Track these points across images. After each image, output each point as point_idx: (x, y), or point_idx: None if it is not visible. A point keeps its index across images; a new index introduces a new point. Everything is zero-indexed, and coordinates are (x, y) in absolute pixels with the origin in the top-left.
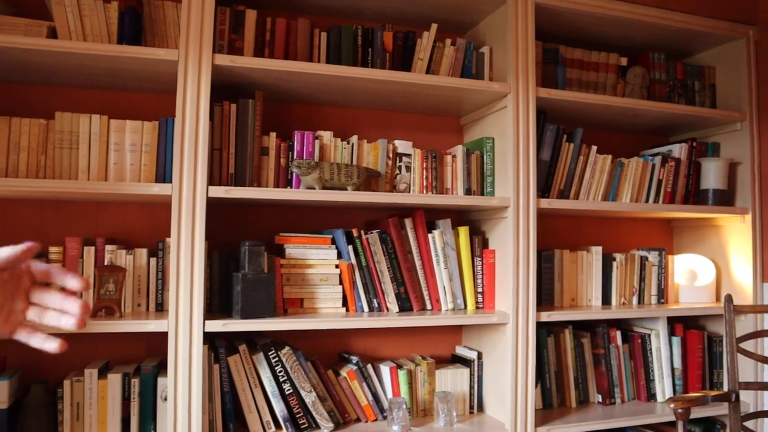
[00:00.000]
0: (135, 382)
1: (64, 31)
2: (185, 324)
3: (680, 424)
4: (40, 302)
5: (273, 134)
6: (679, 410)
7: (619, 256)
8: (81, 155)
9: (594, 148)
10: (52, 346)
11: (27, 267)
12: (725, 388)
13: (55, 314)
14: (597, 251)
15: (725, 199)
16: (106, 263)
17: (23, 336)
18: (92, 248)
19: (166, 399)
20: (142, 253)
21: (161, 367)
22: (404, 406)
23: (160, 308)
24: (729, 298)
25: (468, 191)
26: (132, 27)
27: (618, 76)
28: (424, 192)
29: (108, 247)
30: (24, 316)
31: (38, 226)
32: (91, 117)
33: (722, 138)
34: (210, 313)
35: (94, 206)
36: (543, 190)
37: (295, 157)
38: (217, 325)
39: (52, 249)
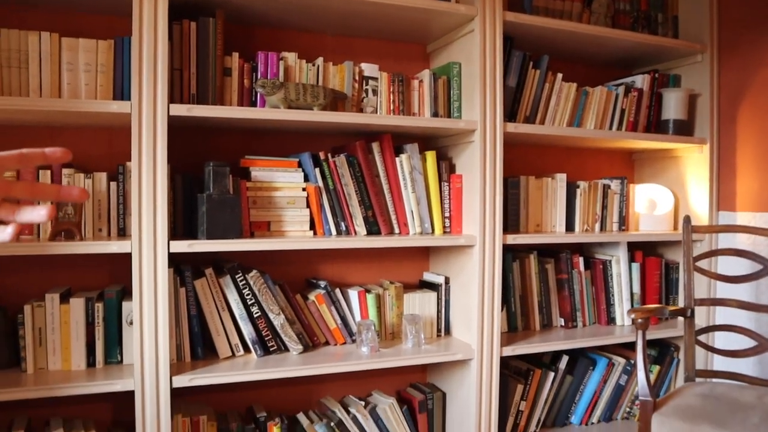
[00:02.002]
0: (99, 307)
1: None
2: (149, 245)
3: (639, 335)
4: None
5: (236, 54)
6: (639, 320)
7: (582, 184)
8: (31, 75)
9: (560, 75)
10: (41, 213)
11: None
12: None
13: (28, 209)
14: (561, 178)
15: (685, 129)
16: None
17: (4, 216)
18: (48, 172)
19: (131, 323)
20: (102, 177)
21: (126, 293)
22: (373, 328)
23: (123, 233)
24: (687, 219)
25: (435, 115)
26: None
27: (584, 5)
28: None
29: (65, 171)
30: None
31: None
32: (40, 34)
33: (683, 70)
34: (175, 237)
35: (49, 131)
36: (509, 116)
37: (259, 77)
38: (182, 246)
39: (5, 174)
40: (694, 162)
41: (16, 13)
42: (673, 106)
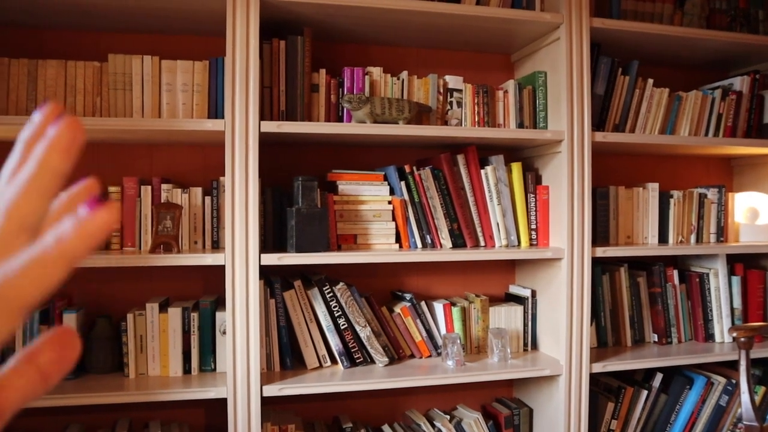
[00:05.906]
0: (194, 316)
1: None
2: (241, 257)
3: (742, 355)
4: None
5: (323, 71)
6: (742, 339)
7: (676, 194)
8: (135, 96)
9: (650, 81)
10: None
11: None
12: None
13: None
14: (654, 188)
15: None
16: (162, 201)
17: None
18: (149, 187)
19: (224, 332)
20: (197, 192)
21: (219, 303)
22: (458, 341)
23: (216, 246)
24: None
25: (520, 126)
26: None
27: (675, 6)
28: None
29: (164, 186)
30: None
31: (95, 168)
32: (143, 58)
33: None
34: (265, 250)
35: (148, 148)
36: (597, 125)
37: (345, 93)
38: (272, 259)
39: (111, 188)
40: None
41: (121, 38)
42: None
